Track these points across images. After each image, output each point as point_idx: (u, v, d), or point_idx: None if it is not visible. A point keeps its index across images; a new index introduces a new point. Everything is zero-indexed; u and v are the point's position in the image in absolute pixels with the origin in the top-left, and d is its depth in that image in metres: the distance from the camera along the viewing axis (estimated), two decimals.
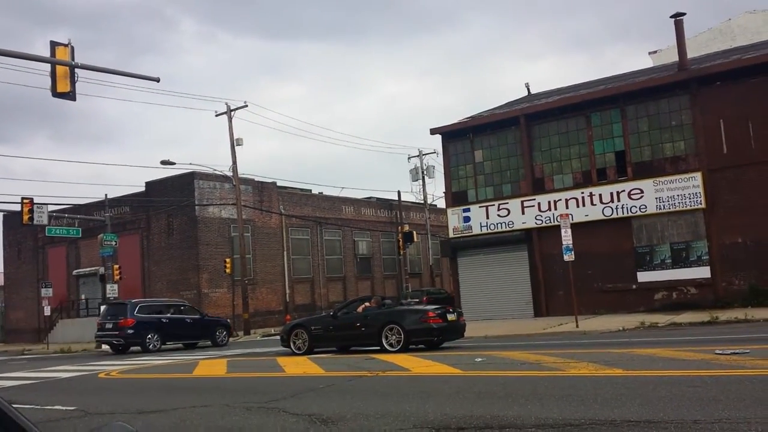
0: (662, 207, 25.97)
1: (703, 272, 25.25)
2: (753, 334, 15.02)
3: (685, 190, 25.60)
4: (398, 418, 7.42)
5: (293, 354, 17.83)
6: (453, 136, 31.62)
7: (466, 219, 30.60)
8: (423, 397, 8.88)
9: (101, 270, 35.42)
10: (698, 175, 25.41)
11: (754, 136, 24.55)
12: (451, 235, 31.25)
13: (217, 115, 36.06)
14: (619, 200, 26.90)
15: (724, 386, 7.95)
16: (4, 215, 42.18)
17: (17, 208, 31.33)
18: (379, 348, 16.69)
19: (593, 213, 27.29)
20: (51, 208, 33.33)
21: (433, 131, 32.17)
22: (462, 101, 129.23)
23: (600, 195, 27.33)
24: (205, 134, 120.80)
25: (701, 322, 19.59)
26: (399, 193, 51.12)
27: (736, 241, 24.61)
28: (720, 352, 11.10)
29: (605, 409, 6.99)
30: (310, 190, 47.57)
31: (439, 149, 32.97)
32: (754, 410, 6.38)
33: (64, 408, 10.17)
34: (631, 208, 26.59)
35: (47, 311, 36.03)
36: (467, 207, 30.68)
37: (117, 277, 33.65)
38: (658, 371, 9.60)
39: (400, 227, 47.59)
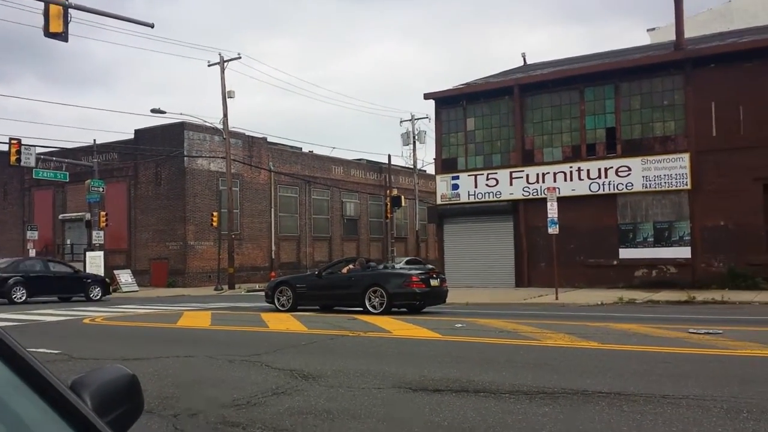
0: (648, 186, 26.20)
1: (684, 252, 25.64)
2: (728, 315, 15.38)
3: (672, 171, 25.82)
4: (377, 377, 7.64)
5: (277, 310, 18.07)
6: (446, 102, 31.54)
7: (455, 186, 30.73)
8: (402, 359, 9.13)
9: (87, 216, 35.35)
10: (686, 156, 25.61)
11: (744, 121, 24.71)
12: (438, 201, 31.40)
13: (209, 65, 35.67)
14: (606, 176, 27.10)
15: (695, 364, 8.23)
16: None
17: (4, 148, 31.07)
18: (362, 309, 16.94)
19: (580, 188, 27.49)
20: (39, 150, 33.07)
21: (426, 96, 32.06)
22: (456, 67, 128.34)
23: (588, 170, 27.51)
24: (196, 84, 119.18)
25: (678, 301, 20.00)
26: (389, 156, 51.13)
27: (718, 223, 24.95)
28: (694, 331, 11.41)
29: (578, 380, 7.24)
30: (300, 148, 47.46)
31: (432, 114, 32.93)
32: (722, 388, 6.64)
33: (49, 351, 10.34)
34: (617, 185, 26.81)
35: (32, 254, 36.00)
36: (456, 175, 30.78)
37: (103, 224, 33.63)
38: (632, 346, 9.89)
39: (388, 191, 47.68)
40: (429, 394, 6.73)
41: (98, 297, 26.23)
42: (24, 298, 23.87)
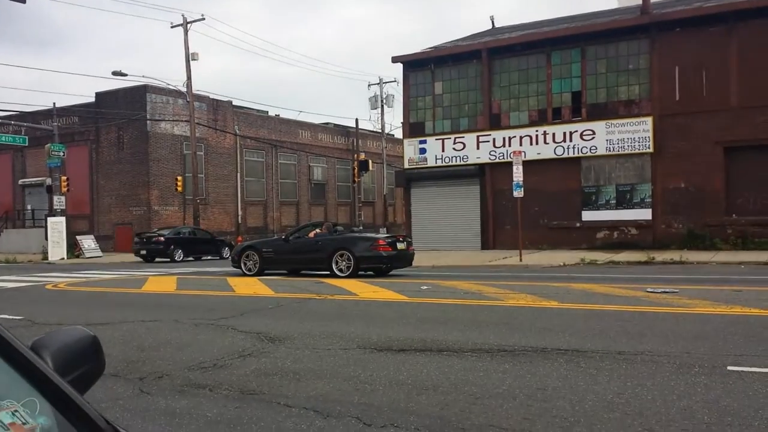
0: (612, 149, 26.56)
1: (645, 214, 26.17)
2: (685, 275, 15.83)
3: (635, 134, 26.18)
4: (343, 339, 7.75)
5: (244, 275, 18.07)
6: (414, 65, 31.36)
7: (422, 151, 30.76)
8: (368, 321, 9.25)
9: (48, 181, 34.59)
10: (649, 120, 25.97)
11: (707, 85, 25.07)
12: (406, 165, 31.43)
13: (172, 27, 34.87)
14: (571, 140, 27.37)
15: (651, 322, 8.50)
16: None
17: None
18: (329, 273, 17.04)
19: (545, 151, 27.75)
20: None
21: (394, 59, 31.82)
22: (424, 30, 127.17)
23: (553, 134, 27.74)
24: (159, 47, 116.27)
25: (638, 262, 20.49)
26: (357, 120, 50.76)
27: (678, 186, 25.48)
28: (651, 290, 11.74)
29: (538, 338, 7.44)
30: (267, 112, 46.83)
31: (400, 78, 32.73)
32: (676, 345, 6.89)
33: (11, 317, 10.24)
34: (582, 148, 27.12)
35: None
36: (424, 139, 30.79)
37: (65, 189, 32.98)
38: (591, 305, 10.15)
39: (356, 155, 47.48)
40: (394, 354, 6.85)
41: (228, 256, 28.82)
42: (182, 257, 28.99)
